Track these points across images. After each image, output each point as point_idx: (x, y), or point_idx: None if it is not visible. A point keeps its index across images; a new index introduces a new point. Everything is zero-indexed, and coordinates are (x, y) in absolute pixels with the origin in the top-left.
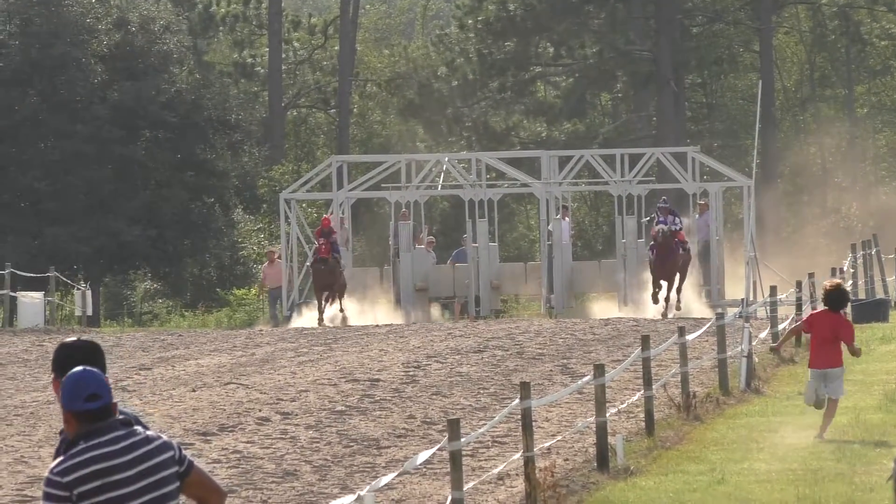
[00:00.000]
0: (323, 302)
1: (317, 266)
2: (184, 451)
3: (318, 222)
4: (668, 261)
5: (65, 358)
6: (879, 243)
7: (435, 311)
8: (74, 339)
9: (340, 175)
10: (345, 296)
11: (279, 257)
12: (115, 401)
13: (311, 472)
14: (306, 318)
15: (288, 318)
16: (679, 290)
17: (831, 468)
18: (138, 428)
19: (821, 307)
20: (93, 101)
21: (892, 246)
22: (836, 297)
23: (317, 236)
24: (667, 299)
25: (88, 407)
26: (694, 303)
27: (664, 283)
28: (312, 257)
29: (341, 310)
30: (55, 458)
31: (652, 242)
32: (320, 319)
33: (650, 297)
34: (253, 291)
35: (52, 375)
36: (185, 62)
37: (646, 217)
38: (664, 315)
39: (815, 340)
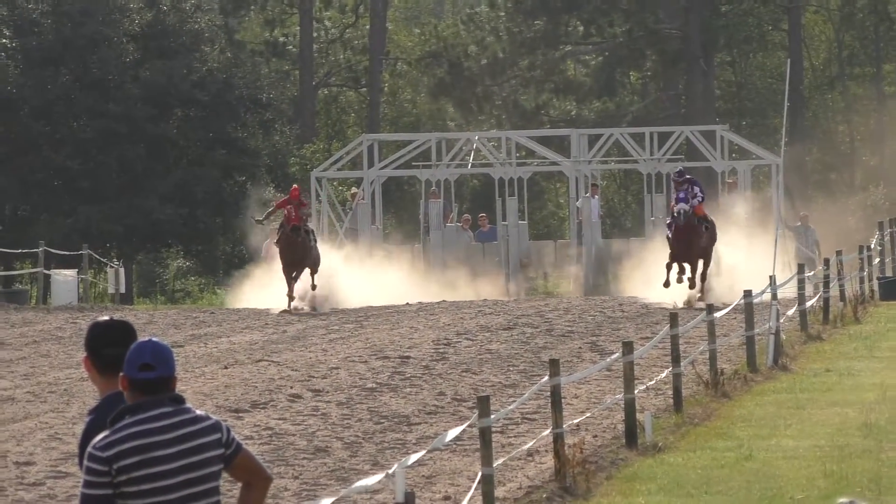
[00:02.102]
0: (292, 280)
1: (289, 237)
2: (233, 434)
3: (349, 199)
4: (690, 241)
5: (97, 337)
6: None
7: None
8: (107, 318)
9: (371, 153)
10: (317, 272)
11: None
12: (174, 375)
13: (342, 448)
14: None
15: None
16: (704, 277)
17: (858, 444)
18: (188, 406)
19: None
20: (125, 80)
21: None
22: None
23: (281, 205)
24: (691, 285)
25: (140, 376)
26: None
27: (687, 267)
28: (279, 230)
29: (313, 286)
30: (83, 435)
31: (669, 220)
32: (291, 298)
33: (663, 283)
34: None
35: (84, 354)
36: (216, 41)
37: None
38: (688, 303)
39: None
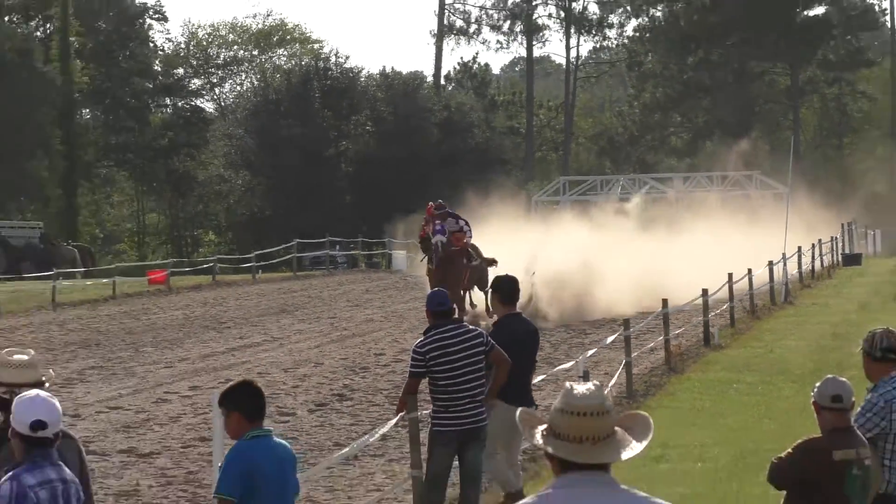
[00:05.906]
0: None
1: (444, 260)
2: (488, 337)
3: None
4: (449, 273)
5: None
6: (857, 222)
7: None
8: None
9: (564, 188)
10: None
11: None
12: (453, 308)
13: (549, 347)
14: None
15: None
16: (470, 304)
17: (833, 344)
18: (465, 323)
19: None
20: (431, 152)
21: (863, 223)
22: None
23: (426, 227)
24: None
25: (437, 309)
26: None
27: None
28: (433, 253)
29: (472, 304)
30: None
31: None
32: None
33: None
34: None
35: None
36: (480, 126)
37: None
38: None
39: None
